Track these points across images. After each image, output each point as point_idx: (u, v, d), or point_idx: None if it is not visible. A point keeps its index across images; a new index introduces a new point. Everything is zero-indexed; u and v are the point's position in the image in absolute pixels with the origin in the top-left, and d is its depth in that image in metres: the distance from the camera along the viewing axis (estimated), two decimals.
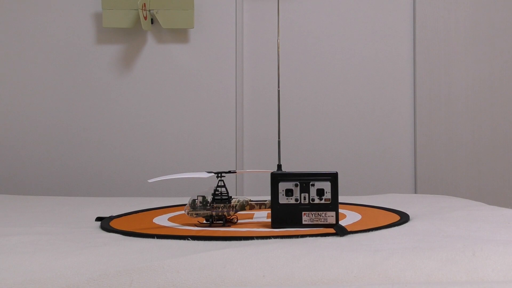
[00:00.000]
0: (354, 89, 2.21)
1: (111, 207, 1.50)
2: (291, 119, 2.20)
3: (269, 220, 1.09)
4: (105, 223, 1.18)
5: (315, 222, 1.06)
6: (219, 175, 1.15)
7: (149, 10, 2.14)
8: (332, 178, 1.07)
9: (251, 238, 0.95)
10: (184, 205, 1.17)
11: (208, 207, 1.13)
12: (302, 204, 1.07)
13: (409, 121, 2.20)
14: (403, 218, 1.18)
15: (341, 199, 1.12)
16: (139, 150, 2.21)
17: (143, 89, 2.21)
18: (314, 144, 2.21)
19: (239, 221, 1.17)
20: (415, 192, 2.19)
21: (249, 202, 1.15)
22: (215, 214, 1.13)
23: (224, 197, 1.13)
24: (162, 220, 1.23)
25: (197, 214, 1.13)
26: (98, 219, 1.25)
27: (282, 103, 2.20)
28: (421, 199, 1.60)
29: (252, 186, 2.21)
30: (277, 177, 1.08)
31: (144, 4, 2.09)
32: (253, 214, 1.29)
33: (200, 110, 2.21)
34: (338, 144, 2.20)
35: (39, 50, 2.22)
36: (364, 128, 2.21)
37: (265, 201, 1.15)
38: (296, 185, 1.07)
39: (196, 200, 1.13)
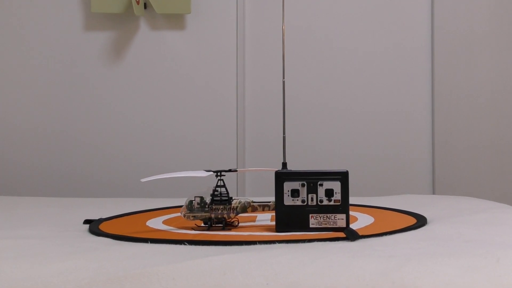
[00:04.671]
0: (367, 82, 2.20)
1: (101, 209, 1.50)
2: (297, 113, 2.20)
3: (273, 223, 1.09)
4: (94, 226, 1.18)
5: (323, 226, 1.06)
6: (219, 174, 1.15)
7: None
8: (342, 177, 1.07)
9: (254, 242, 0.95)
10: (180, 206, 1.17)
11: (207, 209, 1.13)
12: (309, 205, 1.07)
13: (426, 117, 2.20)
14: (420, 221, 1.18)
15: (352, 200, 1.11)
16: (130, 146, 2.21)
17: (136, 80, 2.21)
18: (323, 141, 2.20)
19: (240, 224, 1.17)
20: (433, 193, 2.19)
21: (251, 204, 1.15)
22: (214, 217, 1.13)
23: (224, 198, 1.13)
24: (156, 223, 1.23)
25: (194, 216, 1.13)
26: (86, 222, 1.26)
27: (288, 95, 2.20)
28: (439, 201, 1.60)
29: (255, 186, 2.21)
30: (282, 176, 1.07)
31: None
32: (256, 216, 1.29)
33: (197, 103, 2.21)
34: (349, 141, 2.20)
35: (19, 37, 2.22)
36: (377, 124, 2.20)
37: (269, 202, 1.15)
38: (302, 185, 1.07)
39: (194, 202, 1.13)
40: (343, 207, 1.06)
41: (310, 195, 1.07)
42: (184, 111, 2.21)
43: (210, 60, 2.20)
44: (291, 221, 1.07)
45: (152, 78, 2.21)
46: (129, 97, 2.21)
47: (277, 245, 0.93)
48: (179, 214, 1.22)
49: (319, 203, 1.06)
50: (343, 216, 1.06)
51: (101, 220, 1.26)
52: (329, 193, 1.06)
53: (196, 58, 2.20)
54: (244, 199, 1.16)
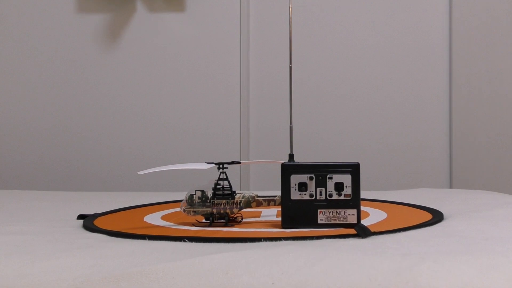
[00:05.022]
0: (380, 69, 2.20)
1: (96, 204, 1.51)
2: (305, 101, 2.20)
3: (279, 219, 1.09)
4: (89, 222, 1.18)
5: (332, 222, 1.06)
6: (221, 166, 1.15)
7: None
8: (353, 170, 1.07)
9: (258, 239, 0.95)
10: (180, 201, 1.17)
11: (208, 204, 1.13)
12: (318, 200, 1.07)
13: (443, 106, 2.19)
14: (436, 216, 1.18)
15: (363, 194, 1.12)
16: (127, 137, 2.21)
17: (132, 66, 2.21)
18: (332, 131, 2.20)
19: (244, 220, 1.17)
20: (450, 187, 2.19)
21: (256, 198, 1.15)
22: (216, 212, 1.13)
23: (226, 192, 1.14)
24: (154, 219, 1.23)
25: (195, 211, 1.13)
26: (80, 217, 1.26)
27: (295, 82, 2.20)
28: (456, 195, 1.59)
29: (259, 179, 2.22)
30: (289, 169, 1.07)
31: None
32: (261, 212, 1.30)
33: (198, 91, 2.21)
34: (360, 131, 2.20)
35: (5, 20, 2.22)
36: (390, 113, 2.20)
37: (275, 196, 1.15)
38: (310, 178, 1.07)
39: (194, 196, 1.13)
40: (354, 201, 1.06)
41: (318, 189, 1.07)
42: (184, 100, 2.20)
43: (212, 44, 2.20)
44: (298, 216, 1.07)
45: (150, 64, 2.21)
46: (125, 85, 2.21)
47: (283, 242, 0.93)
48: (178, 209, 1.22)
49: (328, 197, 1.06)
50: (354, 211, 1.06)
51: (96, 215, 1.26)
52: (339, 187, 1.06)
53: (196, 42, 2.20)
54: (248, 193, 1.16)
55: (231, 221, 1.15)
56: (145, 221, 1.21)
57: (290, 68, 1.22)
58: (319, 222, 1.07)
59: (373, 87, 2.20)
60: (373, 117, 2.20)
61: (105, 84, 2.22)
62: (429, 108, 2.20)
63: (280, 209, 1.09)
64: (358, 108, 2.20)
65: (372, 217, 1.21)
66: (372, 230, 1.00)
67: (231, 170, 2.16)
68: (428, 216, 1.19)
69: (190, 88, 2.21)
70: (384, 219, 1.18)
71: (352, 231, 1.00)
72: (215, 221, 1.13)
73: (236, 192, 1.15)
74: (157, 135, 2.21)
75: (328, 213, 1.07)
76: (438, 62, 2.19)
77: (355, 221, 1.06)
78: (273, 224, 1.12)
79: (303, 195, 1.07)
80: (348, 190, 1.06)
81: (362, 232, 0.98)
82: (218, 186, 1.14)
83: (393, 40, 2.19)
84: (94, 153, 2.22)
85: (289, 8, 1.23)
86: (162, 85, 2.21)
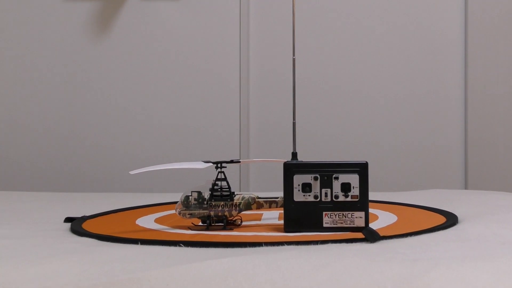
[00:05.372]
0: (391, 61, 2.19)
1: (84, 205, 1.51)
2: (309, 96, 2.20)
3: (282, 222, 1.09)
4: (77, 225, 1.18)
5: (339, 225, 1.06)
6: (219, 165, 1.15)
7: None
8: (361, 169, 1.07)
9: (259, 244, 0.95)
10: (175, 203, 1.17)
11: (205, 206, 1.13)
12: (323, 202, 1.07)
13: (458, 102, 2.19)
14: (450, 219, 1.18)
15: (371, 196, 1.11)
16: (118, 134, 2.21)
17: (124, 58, 2.21)
18: (338, 128, 2.20)
19: (243, 224, 1.17)
20: (465, 188, 2.19)
21: (256, 200, 1.15)
22: (213, 215, 1.13)
23: (225, 193, 1.14)
24: (147, 222, 1.23)
25: (191, 214, 1.13)
26: (67, 219, 1.26)
27: (298, 75, 2.19)
28: (472, 196, 1.59)
29: (260, 180, 2.21)
30: (292, 168, 1.07)
31: None
32: (262, 214, 1.29)
33: (195, 85, 2.20)
34: (368, 128, 2.20)
35: None
36: (401, 108, 2.19)
37: (277, 198, 1.15)
38: (315, 178, 1.06)
39: (190, 197, 1.13)
40: (362, 203, 1.06)
41: (323, 190, 1.06)
42: (179, 94, 2.20)
43: (209, 34, 2.20)
44: (302, 219, 1.07)
45: (143, 55, 2.21)
46: (116, 78, 2.21)
47: (286, 247, 0.93)
48: (173, 211, 1.22)
49: (334, 199, 1.06)
50: (362, 214, 1.06)
51: (84, 218, 1.26)
52: (345, 187, 1.06)
53: (192, 32, 2.20)
54: (248, 194, 1.16)
55: (230, 224, 1.15)
56: (138, 224, 1.21)
57: (293, 59, 1.22)
58: (324, 225, 1.06)
59: (383, 80, 2.19)
60: (382, 113, 2.20)
61: (95, 77, 2.21)
62: (443, 103, 2.19)
63: (282, 211, 1.09)
64: (366, 104, 2.20)
65: (381, 220, 1.21)
66: (381, 234, 1.00)
67: (229, 170, 2.15)
68: (441, 219, 1.19)
69: (186, 82, 2.21)
70: (394, 223, 1.18)
71: (359, 235, 1.00)
72: (213, 224, 1.13)
73: (235, 193, 1.15)
74: (150, 131, 2.21)
75: (334, 216, 1.06)
76: (453, 56, 2.19)
77: (363, 225, 1.06)
78: (275, 228, 1.12)
79: (307, 197, 1.07)
80: (355, 191, 1.06)
81: (371, 236, 0.97)
82: (215, 187, 1.14)
83: (406, 32, 2.19)
84: (83, 151, 2.22)
85: None
86: (155, 77, 2.21)
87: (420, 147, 2.20)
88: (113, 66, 2.21)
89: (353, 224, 1.06)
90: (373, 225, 1.10)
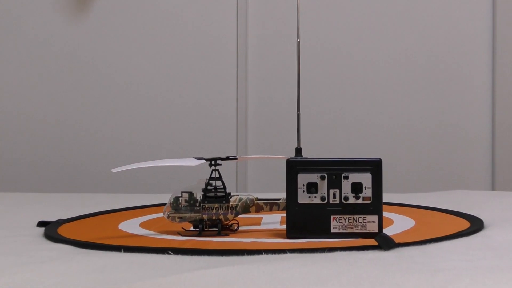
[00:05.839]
0: (411, 47, 2.19)
1: (60, 207, 1.50)
2: (316, 84, 2.19)
3: (284, 227, 1.09)
4: (51, 230, 1.18)
5: (349, 230, 1.06)
6: (213, 162, 1.15)
7: None
8: (374, 167, 1.07)
9: (258, 252, 0.95)
10: (163, 205, 1.17)
11: (197, 209, 1.13)
12: (331, 204, 1.07)
13: (485, 94, 2.19)
14: (475, 224, 1.18)
15: (386, 197, 1.11)
16: (98, 126, 2.21)
17: (106, 37, 2.21)
18: (348, 121, 2.20)
19: (240, 229, 1.17)
20: (492, 189, 2.19)
21: (255, 202, 1.15)
22: (206, 218, 1.13)
23: (219, 194, 1.13)
24: (131, 226, 1.23)
25: (181, 218, 1.13)
26: (41, 224, 1.26)
27: (303, 61, 2.19)
28: (500, 199, 1.59)
29: (260, 179, 2.21)
30: (296, 166, 1.07)
31: None
32: (261, 218, 1.29)
33: (186, 70, 2.20)
34: (382, 122, 2.20)
35: None
36: (420, 100, 2.19)
37: (278, 200, 1.15)
38: (322, 178, 1.06)
39: (180, 198, 1.13)
40: (375, 206, 1.06)
41: (331, 191, 1.06)
42: (168, 80, 2.20)
43: (203, 12, 2.19)
44: (307, 224, 1.07)
45: (127, 34, 2.21)
46: (97, 61, 2.21)
47: (288, 255, 0.93)
48: (161, 214, 1.22)
49: (343, 201, 1.06)
50: (375, 218, 1.06)
51: (60, 222, 1.26)
52: (356, 188, 1.06)
53: (183, 9, 2.19)
54: (246, 195, 1.16)
55: (225, 229, 1.14)
56: (120, 229, 1.21)
57: (298, 43, 1.21)
58: (332, 231, 1.06)
59: (400, 68, 2.19)
60: (398, 103, 2.19)
61: (75, 60, 2.21)
62: (468, 94, 2.19)
63: (284, 215, 1.09)
64: (380, 94, 2.19)
65: (397, 225, 1.21)
66: (397, 240, 1.00)
67: (225, 168, 2.16)
68: (465, 224, 1.19)
69: (175, 66, 2.20)
70: (411, 228, 1.18)
71: (372, 242, 1.00)
72: (206, 229, 1.13)
73: (232, 194, 1.15)
74: (135, 120, 2.21)
75: (343, 220, 1.06)
76: (480, 47, 2.18)
77: (376, 230, 1.06)
78: (276, 234, 1.12)
79: (313, 198, 1.07)
80: (367, 192, 1.06)
81: (385, 243, 0.97)
82: (209, 187, 1.14)
83: (427, 20, 2.18)
84: (58, 144, 2.22)
85: None
86: (141, 62, 2.21)
87: (441, 142, 2.19)
88: (94, 45, 2.21)
89: (365, 229, 1.06)
90: (388, 231, 1.10)
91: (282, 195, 1.12)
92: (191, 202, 1.13)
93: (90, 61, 2.21)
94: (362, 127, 2.19)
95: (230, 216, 1.14)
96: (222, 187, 1.14)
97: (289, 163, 1.08)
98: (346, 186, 1.07)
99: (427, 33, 2.19)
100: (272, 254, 0.94)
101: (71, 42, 2.21)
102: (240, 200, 1.14)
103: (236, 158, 1.19)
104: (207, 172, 1.15)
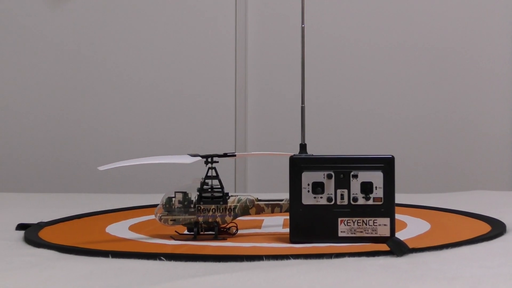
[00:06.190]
0: (428, 38, 2.19)
1: (41, 209, 1.50)
2: (322, 74, 2.19)
3: (287, 230, 1.09)
4: (32, 234, 1.18)
5: (358, 234, 1.06)
6: (209, 159, 1.15)
7: None
8: (386, 165, 1.07)
9: (259, 258, 0.95)
10: (155, 206, 1.17)
11: (192, 210, 1.13)
12: (339, 205, 1.07)
13: (505, 90, 2.19)
14: (496, 228, 1.18)
15: (398, 198, 1.11)
16: (87, 119, 2.21)
17: (89, 22, 2.21)
18: (357, 114, 2.20)
19: (239, 232, 1.17)
20: None
21: (256, 203, 1.15)
22: (202, 221, 1.13)
23: (216, 195, 1.13)
24: (120, 230, 1.23)
25: (174, 220, 1.13)
26: (20, 227, 1.26)
27: (308, 49, 2.19)
28: None
29: (260, 178, 2.21)
30: (300, 164, 1.07)
31: None
32: (262, 221, 1.29)
33: (179, 58, 2.20)
34: (394, 115, 2.19)
35: None
36: (436, 93, 2.19)
37: (281, 201, 1.15)
38: (329, 177, 1.06)
39: (174, 199, 1.13)
40: (387, 208, 1.06)
41: (339, 191, 1.06)
42: (159, 70, 2.20)
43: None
44: (312, 227, 1.07)
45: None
46: (80, 47, 2.21)
47: (292, 261, 0.93)
48: (152, 216, 1.22)
49: (352, 202, 1.06)
50: (387, 220, 1.06)
51: (41, 225, 1.26)
52: (366, 188, 1.06)
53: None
54: (245, 196, 1.16)
55: (223, 233, 1.14)
56: (108, 233, 1.21)
57: (303, 28, 1.21)
58: (340, 235, 1.06)
59: (418, 60, 2.19)
60: (413, 97, 2.19)
61: (55, 47, 2.21)
62: (488, 90, 2.19)
63: (287, 217, 1.09)
64: (393, 86, 2.19)
65: (411, 228, 1.21)
66: (411, 245, 1.00)
67: (222, 166, 2.16)
68: (485, 228, 1.19)
69: (167, 54, 2.20)
70: (426, 232, 1.18)
71: (384, 247, 1.00)
72: (201, 233, 1.13)
73: (230, 195, 1.15)
74: (123, 114, 2.21)
75: (352, 223, 1.06)
76: (500, 41, 2.19)
77: (388, 234, 1.06)
78: (279, 238, 1.12)
79: (319, 199, 1.07)
80: (378, 192, 1.06)
81: (398, 248, 0.97)
82: (205, 187, 1.14)
83: (452, 12, 2.18)
84: (40, 141, 2.22)
85: None
86: (128, 48, 2.21)
87: (458, 138, 2.19)
88: (76, 31, 2.21)
89: (376, 233, 1.06)
90: (401, 235, 1.10)
91: (285, 195, 1.12)
92: (185, 203, 1.13)
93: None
94: (372, 122, 2.19)
95: (228, 218, 1.14)
96: (219, 186, 1.14)
97: (293, 160, 1.08)
98: (355, 185, 1.06)
99: (447, 24, 2.19)
100: (274, 260, 0.94)
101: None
102: (239, 201, 1.14)
103: (234, 155, 1.19)
104: (202, 170, 1.15)
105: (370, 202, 1.06)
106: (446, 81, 2.19)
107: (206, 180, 1.14)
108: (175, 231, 1.16)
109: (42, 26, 2.22)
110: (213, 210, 1.13)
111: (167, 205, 1.13)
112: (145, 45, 2.21)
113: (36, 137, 2.22)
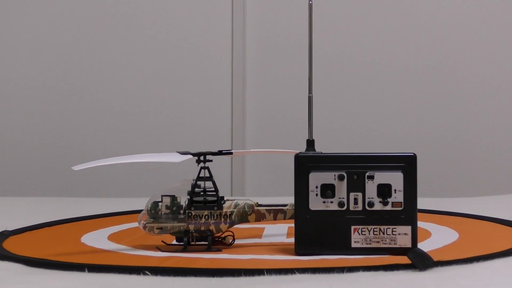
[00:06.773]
0: (448, 21, 2.20)
1: (5, 215, 1.50)
2: (331, 60, 2.19)
3: (292, 240, 1.09)
4: None
5: (374, 245, 1.06)
6: (202, 158, 1.15)
7: None
8: (407, 165, 1.07)
9: (259, 272, 0.95)
10: (138, 212, 1.17)
11: (182, 217, 1.13)
12: (352, 211, 1.07)
13: None
14: None
15: (421, 203, 1.11)
16: (60, 117, 2.22)
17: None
18: (372, 108, 2.20)
19: (236, 242, 1.17)
20: None
21: (256, 208, 1.15)
22: (193, 229, 1.13)
23: (210, 199, 1.13)
24: (98, 239, 1.23)
25: (161, 228, 1.13)
26: None
27: (316, 34, 2.19)
28: None
29: (261, 179, 2.22)
30: (307, 163, 1.07)
31: None
32: (263, 229, 1.30)
33: (171, 48, 2.21)
34: (415, 109, 2.20)
35: None
36: (460, 82, 2.20)
37: (285, 206, 1.15)
38: (340, 178, 1.06)
39: (160, 204, 1.13)
40: (408, 214, 1.06)
41: (352, 195, 1.06)
42: (150, 62, 2.21)
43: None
44: (321, 237, 1.07)
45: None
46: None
47: (297, 276, 0.93)
48: (136, 224, 1.22)
49: (367, 207, 1.06)
50: (408, 229, 1.06)
51: (5, 234, 1.26)
52: (384, 191, 1.06)
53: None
54: (243, 200, 1.16)
55: (217, 243, 1.14)
56: (83, 243, 1.21)
57: (310, 5, 1.21)
58: (353, 245, 1.07)
59: (433, 50, 2.19)
60: (436, 88, 2.20)
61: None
62: None
63: (292, 225, 1.09)
64: (410, 74, 2.20)
65: (435, 238, 1.21)
66: (435, 258, 1.00)
67: (217, 165, 2.16)
68: None
69: (157, 44, 2.21)
70: (453, 242, 1.18)
71: (405, 259, 1.00)
72: (192, 243, 1.13)
73: (225, 199, 1.15)
74: (105, 110, 2.21)
75: (367, 232, 1.06)
76: None
77: (409, 245, 1.06)
78: (282, 249, 1.12)
79: (329, 204, 1.07)
80: (398, 196, 1.06)
81: (420, 261, 0.97)
82: (196, 189, 1.14)
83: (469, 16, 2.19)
84: (9, 137, 2.22)
85: None
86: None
87: (487, 136, 2.20)
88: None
89: (395, 243, 1.06)
90: (424, 246, 1.10)
91: (290, 200, 1.12)
92: (174, 208, 1.13)
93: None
94: (389, 115, 2.19)
95: (223, 226, 1.14)
96: (213, 189, 1.14)
97: (299, 159, 1.08)
98: (371, 188, 1.06)
99: (466, 28, 2.19)
100: (276, 274, 0.94)
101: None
102: (236, 206, 1.14)
103: (231, 153, 1.19)
104: (194, 170, 1.15)
105: (388, 207, 1.06)
106: (473, 78, 2.20)
107: (198, 182, 1.14)
108: (162, 241, 1.16)
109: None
110: (206, 216, 1.13)
111: (153, 211, 1.13)
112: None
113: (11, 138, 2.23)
